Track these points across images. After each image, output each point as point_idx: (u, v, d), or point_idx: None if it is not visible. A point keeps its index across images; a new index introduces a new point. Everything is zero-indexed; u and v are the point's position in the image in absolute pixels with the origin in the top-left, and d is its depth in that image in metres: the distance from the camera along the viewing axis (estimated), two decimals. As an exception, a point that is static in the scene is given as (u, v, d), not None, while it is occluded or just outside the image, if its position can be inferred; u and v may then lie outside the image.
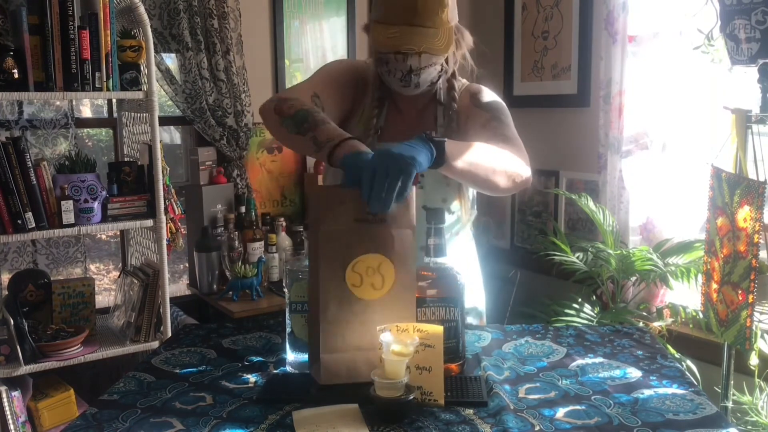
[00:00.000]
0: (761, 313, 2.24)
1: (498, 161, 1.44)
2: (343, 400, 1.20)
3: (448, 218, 1.63)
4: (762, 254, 2.09)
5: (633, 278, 2.84)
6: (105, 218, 2.46)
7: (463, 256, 1.70)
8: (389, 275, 1.26)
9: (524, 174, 1.48)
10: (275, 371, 1.38)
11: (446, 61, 1.57)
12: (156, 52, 2.86)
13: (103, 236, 4.89)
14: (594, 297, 2.95)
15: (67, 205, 2.35)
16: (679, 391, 1.26)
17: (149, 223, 2.53)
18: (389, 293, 1.26)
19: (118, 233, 3.29)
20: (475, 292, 1.75)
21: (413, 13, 1.44)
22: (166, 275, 2.57)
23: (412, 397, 1.15)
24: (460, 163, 1.35)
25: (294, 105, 1.44)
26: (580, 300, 2.86)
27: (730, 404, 2.27)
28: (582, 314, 2.77)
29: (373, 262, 1.25)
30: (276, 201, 3.37)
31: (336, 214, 1.24)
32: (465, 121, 1.61)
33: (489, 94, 1.65)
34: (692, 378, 1.40)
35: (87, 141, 4.40)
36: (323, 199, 1.25)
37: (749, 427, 2.32)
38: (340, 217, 1.24)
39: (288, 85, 3.34)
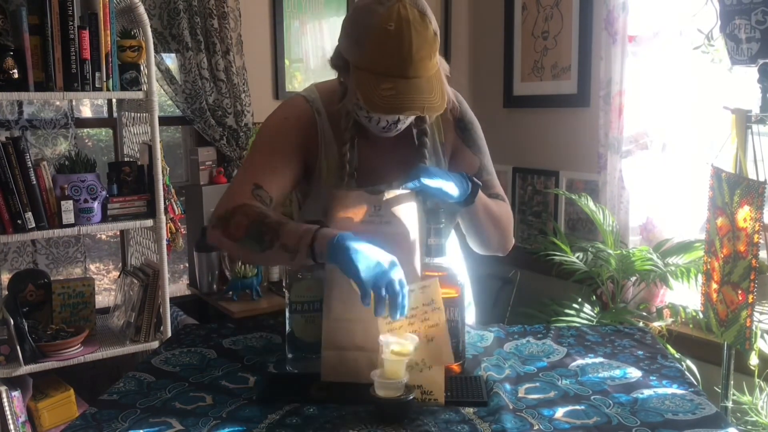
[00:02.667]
0: (761, 313, 2.23)
1: (504, 225, 1.49)
2: (343, 400, 1.20)
3: None
4: (762, 254, 2.09)
5: (633, 278, 2.84)
6: (105, 218, 2.45)
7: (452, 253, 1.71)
8: None
9: (510, 245, 1.54)
10: (275, 371, 1.38)
11: None
12: (156, 52, 2.86)
13: (103, 236, 4.88)
14: (594, 297, 2.95)
15: (67, 205, 2.35)
16: (679, 391, 1.26)
17: (149, 223, 2.53)
18: None
19: (118, 233, 3.29)
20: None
21: (408, 63, 1.24)
22: (166, 275, 2.56)
23: (412, 397, 1.15)
24: (481, 213, 1.39)
25: (241, 222, 1.33)
26: (580, 300, 2.86)
27: (730, 404, 2.27)
28: (582, 314, 2.77)
29: None
30: (276, 201, 3.36)
31: (345, 215, 1.29)
32: (450, 153, 1.53)
33: (471, 120, 1.54)
34: (692, 378, 1.40)
35: (87, 141, 4.39)
36: (334, 201, 1.31)
37: (749, 427, 2.32)
38: (348, 218, 1.28)
39: (288, 85, 3.34)
